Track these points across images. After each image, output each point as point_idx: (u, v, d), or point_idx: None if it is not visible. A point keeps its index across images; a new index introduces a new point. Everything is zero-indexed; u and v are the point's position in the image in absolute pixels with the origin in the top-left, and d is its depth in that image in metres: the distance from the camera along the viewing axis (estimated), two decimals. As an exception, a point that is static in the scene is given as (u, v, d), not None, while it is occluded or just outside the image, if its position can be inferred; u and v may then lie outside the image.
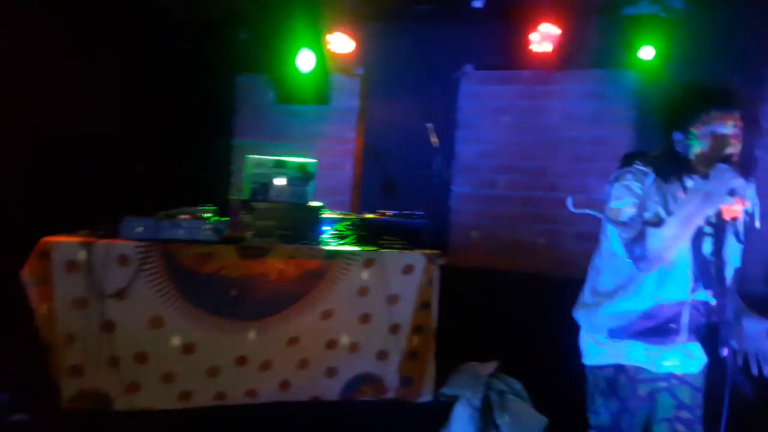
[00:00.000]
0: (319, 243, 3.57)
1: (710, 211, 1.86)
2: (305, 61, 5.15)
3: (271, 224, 3.50)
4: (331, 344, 3.47)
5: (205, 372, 3.28)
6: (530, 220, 5.16)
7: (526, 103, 5.20)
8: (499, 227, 5.23)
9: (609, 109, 4.94)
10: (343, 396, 3.50)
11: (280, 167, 3.58)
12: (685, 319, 2.03)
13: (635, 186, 1.99)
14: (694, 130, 1.96)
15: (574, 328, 2.28)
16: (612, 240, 2.07)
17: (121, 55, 5.01)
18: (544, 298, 4.38)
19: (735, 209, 1.88)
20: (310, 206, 3.59)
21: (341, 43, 5.16)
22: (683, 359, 2.12)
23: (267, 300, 3.36)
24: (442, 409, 3.46)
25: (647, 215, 1.95)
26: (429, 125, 4.35)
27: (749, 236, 2.03)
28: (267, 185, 3.56)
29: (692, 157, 2.00)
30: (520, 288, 4.62)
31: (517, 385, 3.62)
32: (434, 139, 4.32)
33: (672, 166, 2.03)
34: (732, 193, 1.76)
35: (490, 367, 3.72)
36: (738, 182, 1.76)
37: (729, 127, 1.92)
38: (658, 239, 1.84)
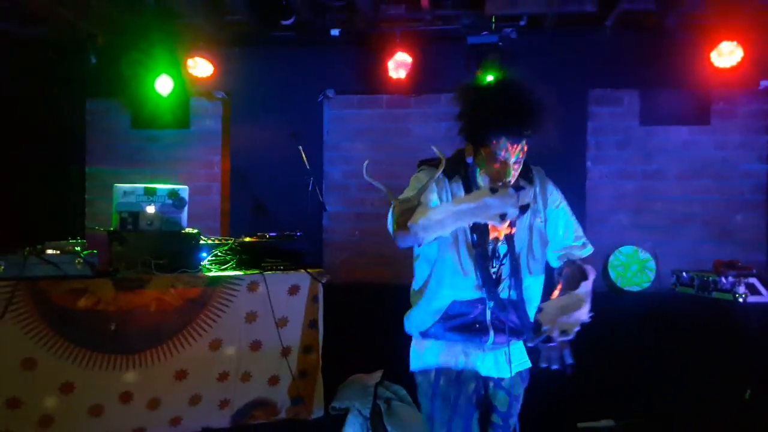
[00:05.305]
0: (199, 270, 3.49)
1: (480, 220, 1.81)
2: (163, 84, 5.01)
3: (146, 254, 3.35)
4: (223, 377, 3.40)
5: (87, 411, 3.08)
6: (397, 235, 5.42)
7: (386, 126, 5.52)
8: (369, 243, 5.45)
9: (461, 130, 5.38)
10: (235, 422, 3.45)
11: (149, 195, 3.46)
12: (487, 317, 2.06)
13: (423, 177, 2.06)
14: (483, 152, 2.00)
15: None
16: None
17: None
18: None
19: (500, 230, 2.00)
20: (185, 233, 3.50)
21: (200, 67, 5.09)
22: (495, 363, 2.14)
23: (148, 332, 3.23)
24: (335, 423, 3.55)
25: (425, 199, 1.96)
26: (299, 147, 4.43)
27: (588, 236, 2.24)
28: (137, 214, 3.43)
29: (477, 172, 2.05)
30: (392, 299, 4.83)
31: (402, 391, 3.81)
32: (306, 161, 4.42)
33: (459, 167, 2.10)
34: (503, 216, 1.73)
35: (376, 376, 3.88)
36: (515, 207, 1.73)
37: (515, 156, 1.96)
38: (423, 216, 1.78)
